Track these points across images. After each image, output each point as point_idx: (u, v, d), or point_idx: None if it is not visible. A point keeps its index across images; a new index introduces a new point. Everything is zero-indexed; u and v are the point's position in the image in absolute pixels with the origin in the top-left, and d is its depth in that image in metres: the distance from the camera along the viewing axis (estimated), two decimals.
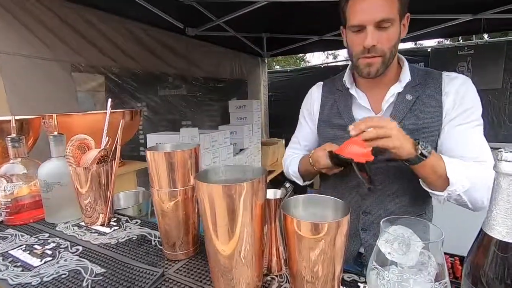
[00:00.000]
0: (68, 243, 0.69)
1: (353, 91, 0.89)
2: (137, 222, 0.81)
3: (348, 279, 0.53)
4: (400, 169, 0.83)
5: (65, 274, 0.56)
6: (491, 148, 0.76)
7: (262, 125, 3.38)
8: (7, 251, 0.66)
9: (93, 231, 0.76)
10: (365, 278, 0.50)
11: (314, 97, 1.03)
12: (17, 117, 0.93)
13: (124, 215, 0.85)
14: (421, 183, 0.79)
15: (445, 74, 0.84)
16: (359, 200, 0.90)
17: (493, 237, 0.32)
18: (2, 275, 0.56)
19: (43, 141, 1.10)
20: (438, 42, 6.33)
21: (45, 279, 0.55)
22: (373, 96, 0.88)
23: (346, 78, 0.91)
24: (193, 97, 3.06)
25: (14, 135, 0.81)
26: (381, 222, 0.41)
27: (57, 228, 0.78)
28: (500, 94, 3.29)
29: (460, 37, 4.25)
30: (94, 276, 0.55)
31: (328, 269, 0.43)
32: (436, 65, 3.50)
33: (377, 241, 0.41)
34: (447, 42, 5.49)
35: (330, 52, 11.76)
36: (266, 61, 4.33)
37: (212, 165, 2.11)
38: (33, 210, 0.83)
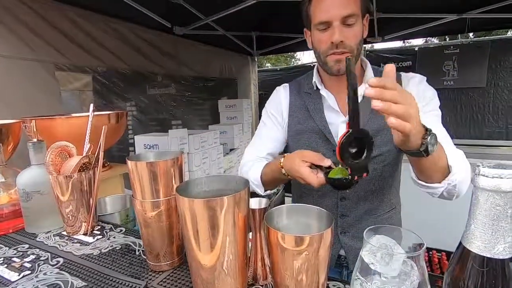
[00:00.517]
0: (49, 254, 0.67)
1: (323, 92, 0.89)
2: (121, 230, 0.79)
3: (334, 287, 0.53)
4: (377, 166, 0.84)
5: None
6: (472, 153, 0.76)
7: (252, 124, 3.37)
8: None
9: (75, 241, 0.74)
10: (350, 285, 0.50)
11: (281, 99, 0.98)
12: None
13: (108, 223, 0.83)
14: (414, 178, 0.72)
15: (403, 75, 0.87)
16: (336, 203, 0.90)
17: (471, 250, 0.33)
18: None
19: (25, 145, 1.06)
20: (426, 41, 6.42)
21: None
22: (342, 97, 0.88)
23: (316, 79, 0.90)
24: (183, 97, 3.03)
25: None
26: (364, 233, 0.41)
27: (37, 239, 0.75)
28: (484, 92, 3.37)
29: (446, 37, 4.32)
30: None
31: (312, 278, 0.43)
32: (423, 64, 3.55)
33: (361, 251, 0.41)
34: (435, 40, 5.58)
35: None
36: (256, 59, 4.31)
37: (195, 172, 2.10)
38: (13, 220, 0.81)
